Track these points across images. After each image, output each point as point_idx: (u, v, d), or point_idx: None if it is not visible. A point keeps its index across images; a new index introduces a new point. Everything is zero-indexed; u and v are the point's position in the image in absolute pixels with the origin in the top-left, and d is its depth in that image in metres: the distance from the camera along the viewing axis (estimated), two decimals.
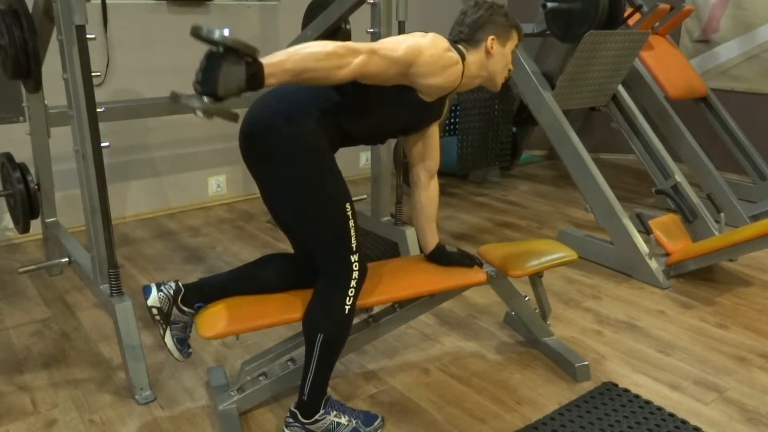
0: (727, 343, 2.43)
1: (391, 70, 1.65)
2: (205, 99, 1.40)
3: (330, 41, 1.55)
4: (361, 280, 1.78)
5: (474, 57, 1.84)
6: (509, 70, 1.92)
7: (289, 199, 1.73)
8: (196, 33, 1.39)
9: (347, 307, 1.75)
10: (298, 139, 1.66)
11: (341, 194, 1.73)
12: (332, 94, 1.69)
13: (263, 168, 1.73)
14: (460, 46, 1.84)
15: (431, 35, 1.74)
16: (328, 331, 1.74)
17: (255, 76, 1.43)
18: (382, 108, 1.73)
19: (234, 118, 1.43)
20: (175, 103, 1.43)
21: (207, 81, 1.40)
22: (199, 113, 1.40)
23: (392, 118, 1.79)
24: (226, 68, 1.40)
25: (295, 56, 1.49)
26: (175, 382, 2.18)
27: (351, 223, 1.73)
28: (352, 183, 3.58)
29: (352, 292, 1.75)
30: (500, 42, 1.85)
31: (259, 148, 1.70)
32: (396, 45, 1.65)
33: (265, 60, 1.46)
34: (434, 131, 2.00)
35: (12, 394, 2.12)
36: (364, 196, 3.27)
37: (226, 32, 1.40)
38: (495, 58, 1.85)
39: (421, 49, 1.67)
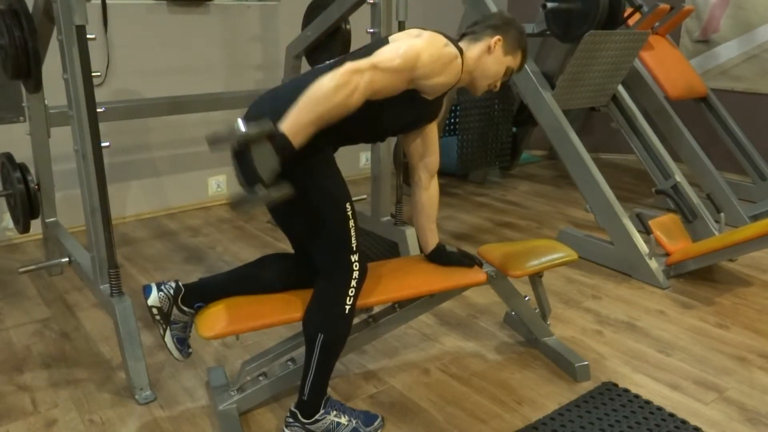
0: (727, 343, 2.43)
1: (396, 81, 1.65)
2: (259, 190, 1.45)
3: (330, 74, 1.53)
4: (361, 280, 1.78)
5: (473, 52, 1.83)
6: (495, 86, 1.90)
7: (288, 200, 1.72)
8: (214, 142, 1.45)
9: (347, 307, 1.75)
10: None
11: (341, 194, 1.73)
12: None
13: None
14: (461, 43, 1.84)
15: (426, 34, 1.73)
16: (329, 331, 1.74)
17: (284, 147, 1.47)
18: (382, 107, 1.72)
19: (293, 190, 1.51)
20: (242, 207, 1.49)
21: (249, 175, 1.46)
22: (265, 203, 1.48)
23: (392, 116, 1.79)
24: (258, 156, 1.45)
25: (308, 106, 1.51)
26: (175, 382, 2.18)
27: (351, 223, 1.73)
28: (352, 183, 3.59)
29: (352, 292, 1.75)
30: (504, 48, 1.85)
31: None
32: (393, 54, 1.64)
33: (285, 125, 1.50)
34: (433, 131, 1.99)
35: (12, 394, 2.12)
36: (364, 196, 3.27)
37: (241, 125, 1.44)
38: (492, 59, 1.84)
39: (418, 52, 1.66)
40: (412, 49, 1.66)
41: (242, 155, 1.45)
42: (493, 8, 3.37)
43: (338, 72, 1.54)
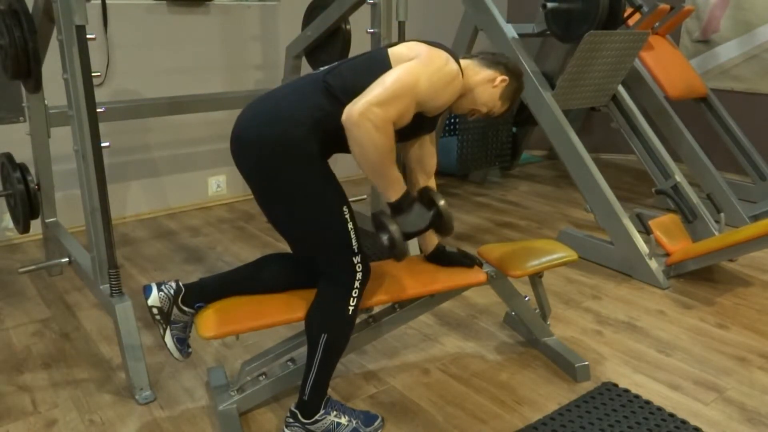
0: (727, 343, 2.43)
1: (407, 111, 1.63)
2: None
3: (370, 131, 1.54)
4: (364, 281, 1.78)
5: (480, 75, 1.83)
6: (472, 113, 1.90)
7: (283, 206, 1.72)
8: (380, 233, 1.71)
9: (351, 308, 1.75)
10: (289, 146, 1.64)
11: (337, 199, 1.72)
12: (324, 103, 1.67)
13: (255, 175, 1.72)
14: (472, 60, 1.85)
15: (425, 54, 1.69)
16: (332, 332, 1.74)
17: (397, 208, 1.69)
18: None
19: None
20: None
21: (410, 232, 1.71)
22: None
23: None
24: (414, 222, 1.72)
25: (382, 170, 1.61)
26: (175, 382, 2.18)
27: (350, 225, 1.73)
28: (352, 183, 3.60)
29: (355, 293, 1.75)
30: (502, 91, 1.86)
31: (250, 157, 1.70)
32: (395, 86, 1.59)
33: (390, 196, 1.68)
34: (430, 134, 2.00)
35: (12, 394, 2.12)
36: (364, 196, 3.27)
37: (384, 241, 1.69)
38: (490, 92, 1.85)
39: (417, 78, 1.63)
40: (410, 74, 1.62)
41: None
42: (494, 8, 3.38)
43: (374, 123, 1.54)
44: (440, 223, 1.72)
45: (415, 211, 1.69)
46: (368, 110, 1.53)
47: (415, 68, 1.64)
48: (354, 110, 1.54)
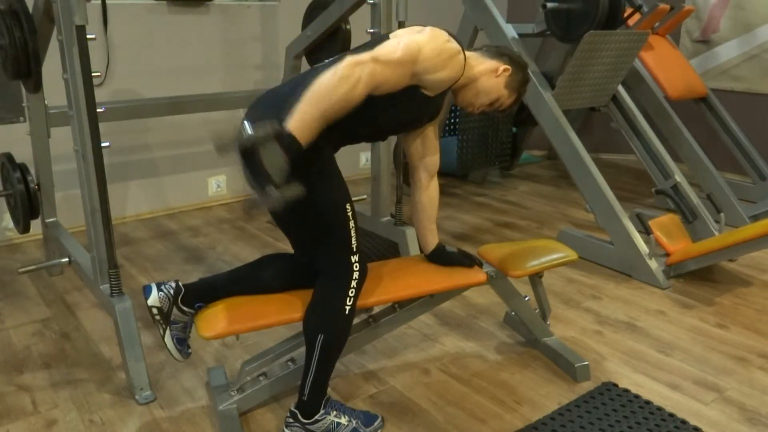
0: (727, 343, 2.43)
1: (397, 74, 1.65)
2: (272, 191, 1.42)
3: (331, 68, 1.54)
4: (361, 281, 1.78)
5: (483, 65, 1.85)
6: (477, 106, 1.91)
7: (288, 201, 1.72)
8: (221, 146, 1.44)
9: (348, 308, 1.75)
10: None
11: (341, 195, 1.73)
12: None
13: None
14: (475, 52, 1.87)
15: (428, 29, 1.72)
16: (329, 332, 1.74)
17: (289, 144, 1.46)
18: (383, 104, 1.71)
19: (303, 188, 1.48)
20: (256, 209, 1.49)
21: (260, 177, 1.43)
22: (279, 204, 1.44)
23: (393, 114, 1.78)
24: (266, 157, 1.42)
25: (312, 102, 1.51)
26: (175, 382, 2.18)
27: (351, 223, 1.73)
28: (352, 183, 3.59)
29: (352, 292, 1.75)
30: (507, 81, 1.87)
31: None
32: (394, 47, 1.64)
33: (290, 124, 1.49)
34: (433, 131, 2.00)
35: (12, 394, 2.12)
36: (364, 196, 3.27)
37: (247, 128, 1.41)
38: (493, 82, 1.86)
39: (420, 46, 1.66)
40: (414, 42, 1.66)
41: (250, 157, 1.43)
42: (493, 8, 3.38)
43: (340, 66, 1.54)
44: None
45: (275, 154, 1.45)
46: (366, 64, 1.56)
47: (419, 38, 1.68)
48: (353, 59, 1.56)
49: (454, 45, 1.73)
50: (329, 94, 1.52)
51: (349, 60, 1.56)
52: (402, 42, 1.66)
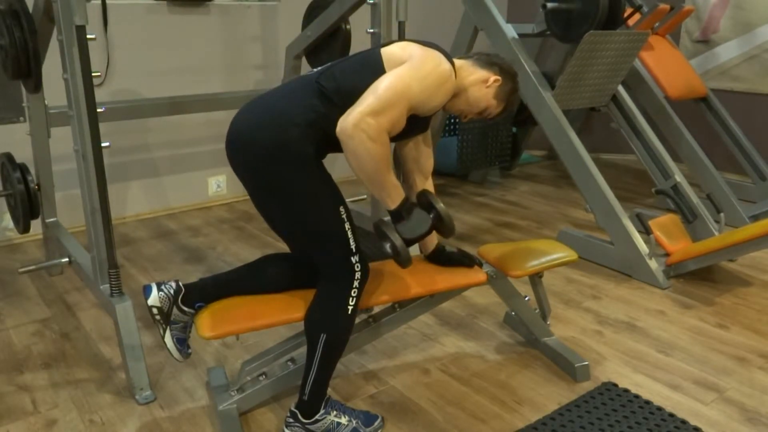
0: (727, 343, 2.43)
1: (400, 118, 1.64)
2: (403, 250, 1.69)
3: (364, 141, 1.55)
4: (363, 281, 1.78)
5: (474, 75, 1.84)
6: (465, 114, 1.91)
7: (279, 207, 1.73)
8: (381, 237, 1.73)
9: (350, 308, 1.75)
10: (283, 148, 1.65)
11: (332, 199, 1.73)
12: (317, 104, 1.67)
13: (251, 177, 1.73)
14: (467, 60, 1.86)
15: (417, 55, 1.68)
16: (331, 332, 1.74)
17: (397, 215, 1.69)
18: None
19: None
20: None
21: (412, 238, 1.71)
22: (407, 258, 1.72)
23: None
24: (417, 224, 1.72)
25: (378, 177, 1.61)
26: (175, 382, 2.18)
27: (347, 225, 1.73)
28: (351, 183, 3.59)
29: (354, 293, 1.75)
30: (496, 91, 1.86)
31: (245, 158, 1.71)
32: (388, 95, 1.59)
33: (389, 204, 1.68)
34: (426, 134, 2.00)
35: (12, 394, 2.12)
36: (364, 196, 3.27)
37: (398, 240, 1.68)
38: (483, 92, 1.85)
39: (409, 84, 1.63)
40: (402, 81, 1.62)
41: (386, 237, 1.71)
42: (493, 9, 3.38)
43: (369, 134, 1.54)
44: (441, 226, 1.73)
45: (415, 216, 1.70)
46: (362, 121, 1.54)
47: (407, 74, 1.64)
48: (348, 122, 1.55)
49: (445, 68, 1.70)
50: (378, 163, 1.58)
51: (364, 123, 1.55)
52: (393, 86, 1.60)
